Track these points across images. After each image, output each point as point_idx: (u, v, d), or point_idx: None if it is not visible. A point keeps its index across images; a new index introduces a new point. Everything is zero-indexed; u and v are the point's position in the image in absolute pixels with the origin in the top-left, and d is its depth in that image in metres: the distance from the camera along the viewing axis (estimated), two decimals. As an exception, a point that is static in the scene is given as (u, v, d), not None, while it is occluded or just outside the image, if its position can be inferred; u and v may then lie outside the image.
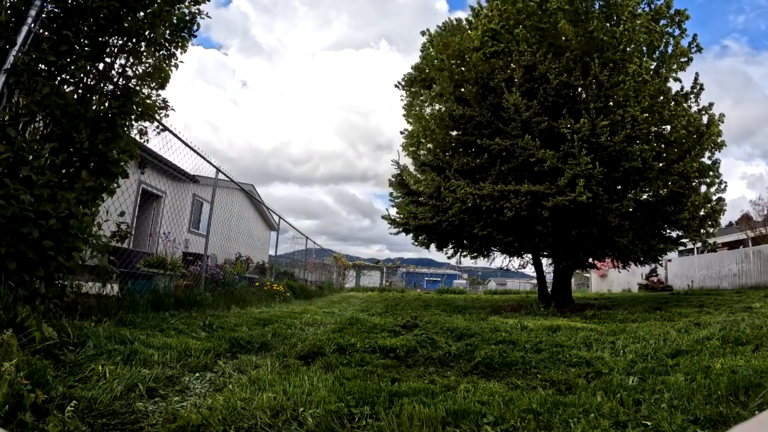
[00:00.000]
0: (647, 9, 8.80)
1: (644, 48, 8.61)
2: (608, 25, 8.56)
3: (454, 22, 11.00)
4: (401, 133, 11.78)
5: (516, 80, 8.65)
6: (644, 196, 8.77)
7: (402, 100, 11.88)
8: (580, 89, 8.53)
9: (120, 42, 3.86)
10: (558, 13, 7.98)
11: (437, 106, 10.95)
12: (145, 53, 4.03)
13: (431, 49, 10.78)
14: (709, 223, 8.93)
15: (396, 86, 11.86)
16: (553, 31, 8.16)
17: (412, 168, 11.25)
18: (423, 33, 11.24)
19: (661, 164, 8.23)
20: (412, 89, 11.62)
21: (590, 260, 10.10)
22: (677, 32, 8.99)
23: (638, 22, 8.16)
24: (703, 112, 8.86)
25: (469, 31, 9.78)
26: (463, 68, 9.62)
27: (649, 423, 1.80)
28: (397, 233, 10.69)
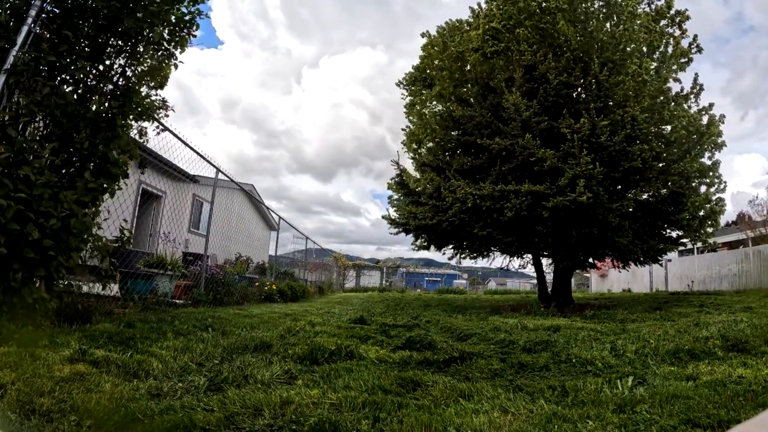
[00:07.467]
0: (648, 9, 8.80)
1: (644, 48, 8.60)
2: (608, 25, 8.56)
3: (455, 23, 11.00)
4: (403, 130, 11.82)
5: (516, 80, 8.64)
6: (644, 196, 8.76)
7: (403, 99, 11.92)
8: (579, 89, 8.53)
9: (120, 42, 3.86)
10: (557, 14, 7.97)
11: (438, 107, 10.97)
12: (144, 53, 4.03)
13: (431, 50, 10.79)
14: (709, 223, 8.92)
15: (397, 85, 11.90)
16: (552, 31, 8.15)
17: (411, 168, 11.25)
18: (423, 35, 11.27)
19: (661, 164, 8.22)
20: (413, 88, 11.65)
21: (590, 260, 10.08)
22: (677, 32, 8.99)
23: (638, 22, 8.15)
24: (703, 113, 8.86)
25: (470, 32, 9.76)
26: (464, 69, 9.60)
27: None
28: (397, 233, 10.70)
